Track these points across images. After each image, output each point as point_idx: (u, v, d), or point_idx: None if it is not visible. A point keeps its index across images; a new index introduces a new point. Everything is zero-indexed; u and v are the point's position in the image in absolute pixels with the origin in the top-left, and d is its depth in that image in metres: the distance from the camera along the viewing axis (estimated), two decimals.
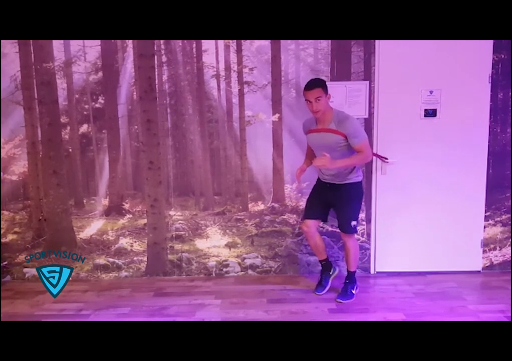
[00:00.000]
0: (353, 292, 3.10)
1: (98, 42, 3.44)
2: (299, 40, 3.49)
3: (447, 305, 2.95)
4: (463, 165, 3.44)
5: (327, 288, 3.20)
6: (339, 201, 2.98)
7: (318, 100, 2.73)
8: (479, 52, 3.34)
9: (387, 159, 3.41)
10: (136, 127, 3.58)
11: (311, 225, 3.07)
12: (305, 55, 3.54)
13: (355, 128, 2.79)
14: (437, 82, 3.37)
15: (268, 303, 3.05)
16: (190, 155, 3.64)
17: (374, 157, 3.43)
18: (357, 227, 3.55)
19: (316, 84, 2.75)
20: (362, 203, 3.55)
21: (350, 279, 3.12)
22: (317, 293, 3.18)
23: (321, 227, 3.54)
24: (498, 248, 3.59)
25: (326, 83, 2.82)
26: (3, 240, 3.63)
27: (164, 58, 3.51)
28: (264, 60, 3.52)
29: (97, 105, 3.59)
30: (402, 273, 3.56)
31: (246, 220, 3.67)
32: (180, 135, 3.63)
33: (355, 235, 3.21)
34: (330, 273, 3.25)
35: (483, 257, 3.58)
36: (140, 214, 3.66)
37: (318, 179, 3.13)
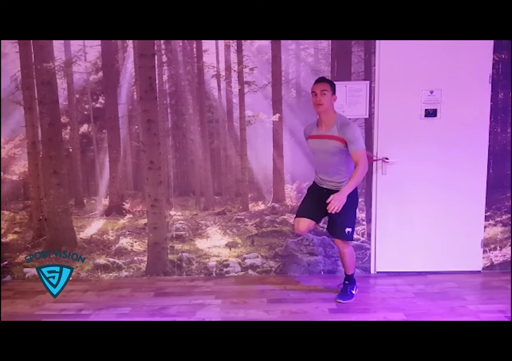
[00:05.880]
0: (353, 292, 3.10)
1: (98, 42, 3.44)
2: (300, 40, 3.49)
3: (447, 305, 2.95)
4: (463, 165, 3.44)
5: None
6: None
7: (324, 93, 2.80)
8: (479, 52, 3.34)
9: (387, 159, 3.42)
10: (136, 126, 3.58)
11: (304, 227, 2.95)
12: (306, 55, 3.54)
13: (355, 135, 2.78)
14: (437, 82, 3.37)
15: (268, 303, 3.04)
16: (190, 155, 3.64)
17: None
18: (357, 228, 3.57)
19: (325, 80, 2.87)
20: (363, 203, 3.57)
21: (350, 280, 3.13)
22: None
23: (321, 227, 3.54)
24: (498, 248, 3.59)
25: None
26: (3, 240, 3.63)
27: (164, 58, 3.51)
28: (264, 60, 3.52)
29: (97, 105, 3.59)
30: (402, 273, 3.56)
31: (247, 220, 3.67)
32: (180, 135, 3.63)
33: (352, 242, 3.15)
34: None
35: (483, 257, 3.58)
36: (140, 214, 3.66)
37: (314, 183, 3.09)
